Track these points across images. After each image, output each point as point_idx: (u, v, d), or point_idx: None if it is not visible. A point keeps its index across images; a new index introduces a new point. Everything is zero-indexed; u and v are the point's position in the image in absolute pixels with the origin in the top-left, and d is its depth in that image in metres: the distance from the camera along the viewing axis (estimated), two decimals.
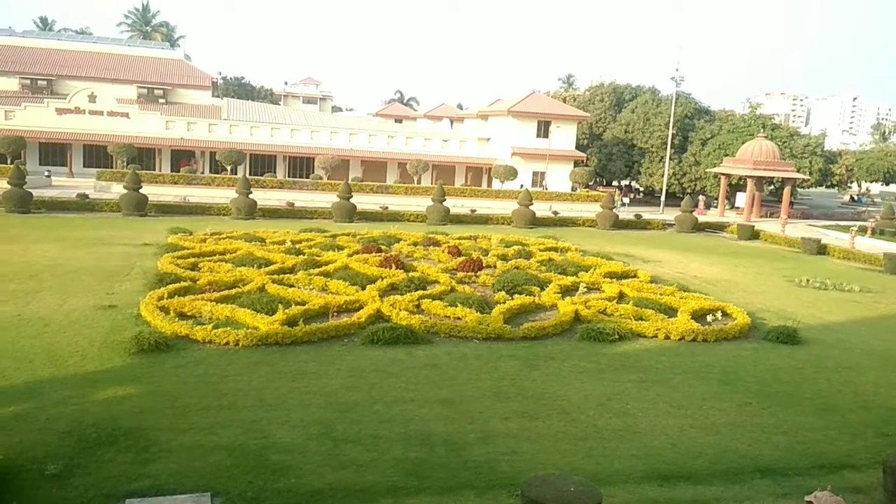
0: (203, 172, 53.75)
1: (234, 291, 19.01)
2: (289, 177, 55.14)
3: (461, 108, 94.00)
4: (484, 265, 24.60)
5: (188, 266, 22.18)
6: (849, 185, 76.77)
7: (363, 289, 20.00)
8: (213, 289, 19.42)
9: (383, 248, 26.78)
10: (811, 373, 16.39)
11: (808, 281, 27.89)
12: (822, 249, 37.08)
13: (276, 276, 20.97)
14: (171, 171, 53.13)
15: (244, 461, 10.36)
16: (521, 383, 14.41)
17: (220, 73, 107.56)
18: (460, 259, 25.02)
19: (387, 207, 42.54)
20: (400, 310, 18.04)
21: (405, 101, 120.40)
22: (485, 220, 41.27)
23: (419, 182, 55.31)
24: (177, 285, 19.18)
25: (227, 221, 35.25)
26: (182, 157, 56.02)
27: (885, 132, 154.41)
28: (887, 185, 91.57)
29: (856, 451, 12.15)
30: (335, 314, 18.01)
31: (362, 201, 41.98)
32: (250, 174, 51.37)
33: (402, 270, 22.61)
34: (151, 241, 27.99)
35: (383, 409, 12.62)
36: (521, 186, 51.70)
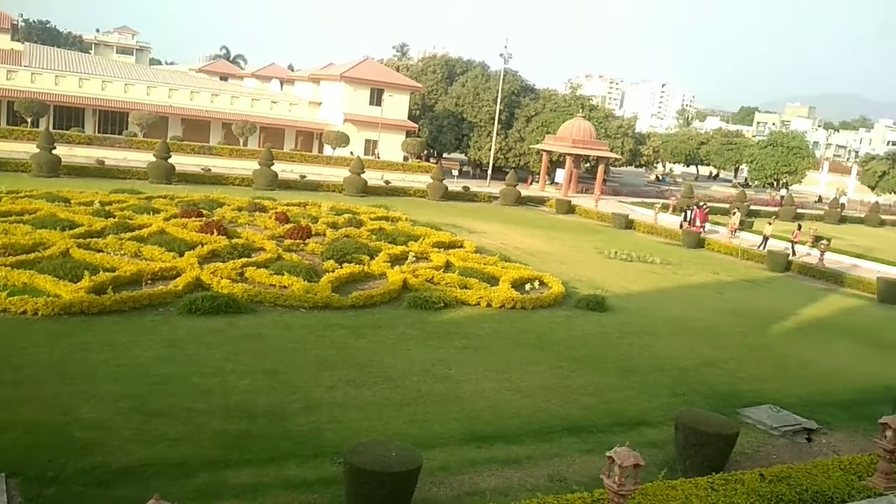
0: None
1: (32, 256, 17.31)
2: (99, 133, 50.67)
3: (292, 70, 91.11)
4: (313, 233, 24.16)
5: None
6: (655, 165, 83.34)
7: (181, 255, 18.96)
8: (7, 252, 17.57)
9: (204, 212, 25.50)
10: (616, 338, 17.76)
11: (616, 253, 30.09)
12: (629, 224, 40.11)
13: (82, 241, 19.30)
14: None
15: (44, 439, 9.55)
16: (347, 352, 14.39)
17: (22, 16, 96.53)
18: (288, 226, 24.41)
19: (209, 169, 40.48)
20: (221, 278, 17.32)
21: (231, 58, 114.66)
22: (315, 186, 40.49)
23: (245, 144, 53.11)
24: None
25: (25, 179, 31.87)
26: None
27: (688, 117, 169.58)
28: (688, 166, 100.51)
29: (652, 409, 13.36)
30: (149, 282, 16.95)
31: (182, 162, 39.60)
32: (55, 128, 46.67)
33: (224, 237, 21.67)
34: None
35: (201, 381, 12.11)
36: (352, 154, 51.23)
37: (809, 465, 10.31)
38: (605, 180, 59.47)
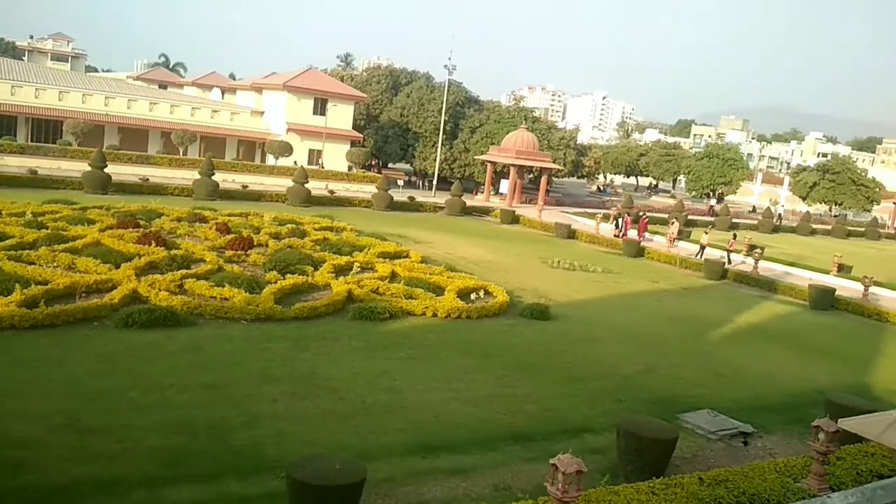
0: None
1: None
2: (32, 141, 49.00)
3: (234, 79, 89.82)
4: (255, 243, 23.79)
5: None
6: (596, 176, 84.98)
7: (117, 267, 18.41)
8: None
9: (142, 223, 24.87)
10: (559, 346, 17.97)
11: (559, 262, 30.50)
12: (572, 234, 40.73)
13: (13, 253, 18.58)
14: None
15: None
16: (291, 364, 14.20)
17: None
18: (229, 237, 23.98)
19: (147, 179, 39.54)
20: (160, 290, 16.90)
21: (171, 66, 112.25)
22: (258, 196, 39.93)
23: (185, 153, 52.06)
24: None
25: None
26: None
27: (628, 129, 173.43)
28: (628, 177, 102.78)
29: (595, 416, 13.55)
30: (83, 295, 16.41)
31: (119, 172, 38.59)
32: None
33: (163, 248, 21.16)
34: None
35: (138, 397, 11.77)
36: (295, 163, 50.73)
37: (746, 468, 10.59)
38: (548, 191, 60.30)
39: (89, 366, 12.83)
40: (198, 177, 38.16)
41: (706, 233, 39.51)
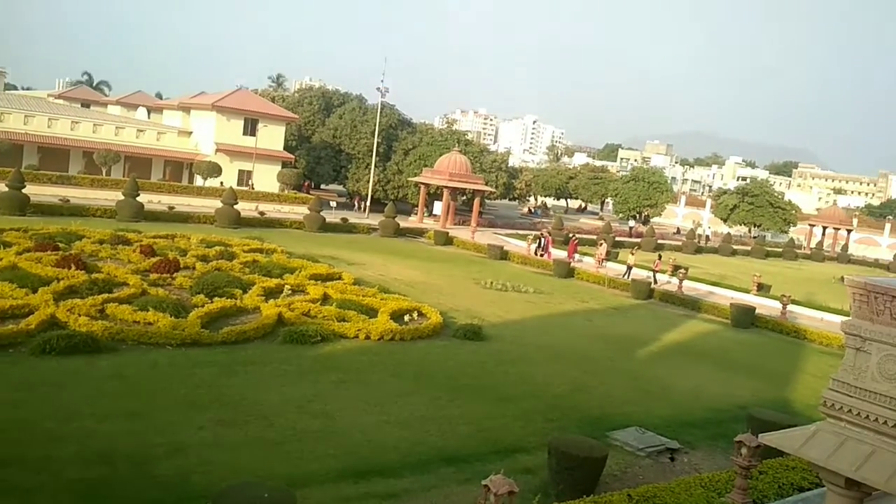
0: None
1: None
2: None
3: (161, 98, 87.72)
4: (181, 266, 23.16)
5: None
6: (528, 198, 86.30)
7: (34, 291, 17.63)
8: None
9: (61, 245, 23.91)
10: (492, 366, 18.08)
11: (492, 283, 30.75)
12: (504, 255, 41.16)
13: None
14: None
15: None
16: (218, 390, 13.83)
17: None
18: (154, 259, 23.29)
19: (68, 200, 38.05)
20: (79, 315, 16.25)
21: (94, 84, 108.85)
22: (185, 218, 38.92)
23: (109, 174, 50.42)
24: None
25: None
26: None
27: (558, 153, 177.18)
28: (559, 199, 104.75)
29: (527, 435, 13.64)
30: None
31: (38, 192, 37.04)
32: None
33: (83, 271, 20.38)
34: None
35: (56, 427, 11.25)
36: (222, 184, 49.80)
37: (673, 483, 10.84)
38: (480, 212, 60.88)
39: (3, 395, 12.20)
40: (121, 198, 36.97)
41: (632, 253, 40.54)
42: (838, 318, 28.05)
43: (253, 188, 53.79)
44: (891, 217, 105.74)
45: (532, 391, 16.52)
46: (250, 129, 56.96)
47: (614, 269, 40.27)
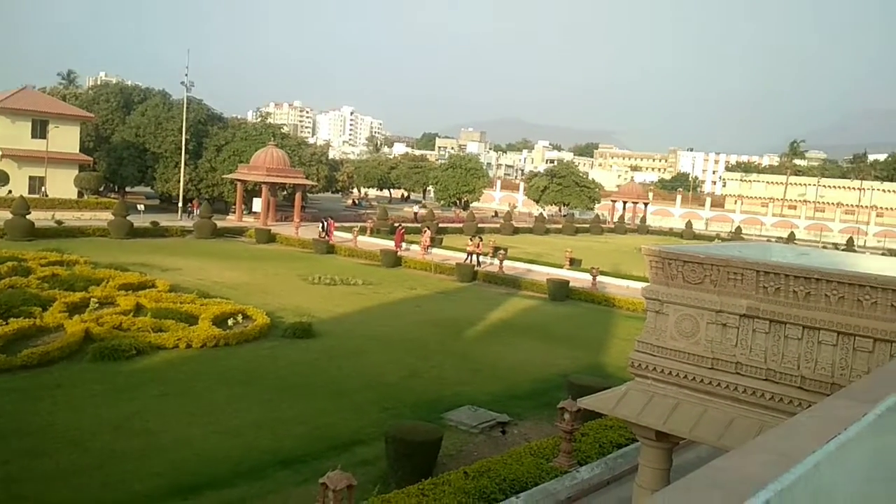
0: None
1: None
2: None
3: None
4: None
5: None
6: (350, 190, 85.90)
7: None
8: None
9: None
10: (324, 362, 17.85)
11: (319, 278, 30.33)
12: (330, 248, 40.73)
13: None
14: None
15: None
16: (22, 418, 12.54)
17: None
18: None
19: None
20: None
21: None
22: None
23: None
24: None
25: None
26: None
27: (377, 144, 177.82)
28: (381, 189, 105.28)
29: (363, 427, 13.62)
30: None
31: None
32: None
33: None
34: None
35: None
36: (10, 193, 45.07)
37: (505, 455, 11.31)
38: (303, 207, 59.73)
39: None
40: None
41: (471, 240, 40.95)
42: (641, 285, 30.55)
43: (47, 195, 49.15)
44: (681, 189, 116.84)
45: (366, 383, 16.51)
46: (40, 130, 51.91)
47: (440, 254, 41.14)
